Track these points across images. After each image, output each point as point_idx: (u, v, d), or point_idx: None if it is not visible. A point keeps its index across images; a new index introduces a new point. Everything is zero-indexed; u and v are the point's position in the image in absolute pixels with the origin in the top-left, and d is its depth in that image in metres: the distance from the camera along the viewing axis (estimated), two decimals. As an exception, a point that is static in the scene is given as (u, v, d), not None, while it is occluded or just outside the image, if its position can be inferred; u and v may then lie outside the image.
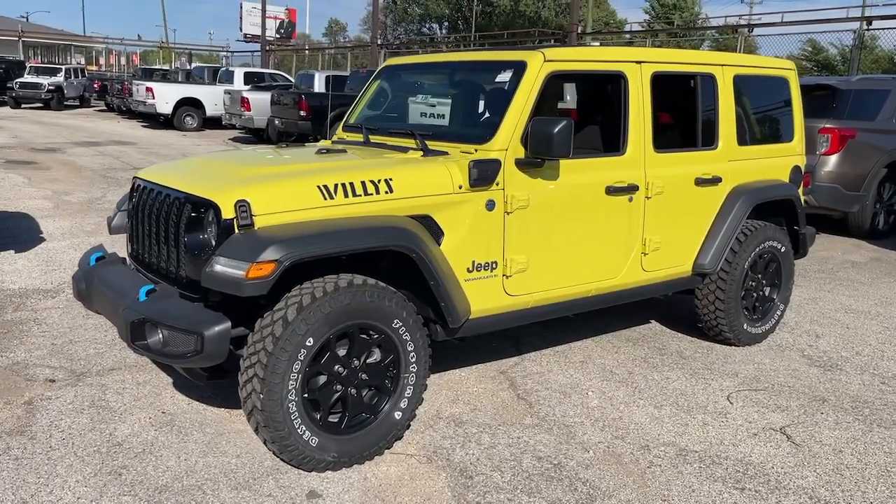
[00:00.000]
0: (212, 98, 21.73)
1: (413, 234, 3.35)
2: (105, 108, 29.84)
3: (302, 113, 15.73)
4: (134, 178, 3.91)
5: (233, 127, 20.27)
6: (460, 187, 3.60)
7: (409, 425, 3.65)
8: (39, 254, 6.78)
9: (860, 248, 8.52)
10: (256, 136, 19.47)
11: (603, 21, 48.11)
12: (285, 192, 3.24)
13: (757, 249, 4.87)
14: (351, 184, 3.35)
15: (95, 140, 17.77)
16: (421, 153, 3.84)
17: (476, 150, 3.74)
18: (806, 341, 5.25)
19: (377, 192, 3.41)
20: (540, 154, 3.70)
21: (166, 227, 3.43)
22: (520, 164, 3.77)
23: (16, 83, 28.31)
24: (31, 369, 4.24)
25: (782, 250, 5.07)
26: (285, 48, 43.02)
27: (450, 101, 4.51)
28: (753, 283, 5.00)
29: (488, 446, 3.58)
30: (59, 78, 29.67)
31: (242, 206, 3.09)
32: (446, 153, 3.81)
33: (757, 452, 3.61)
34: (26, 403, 3.82)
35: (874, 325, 5.66)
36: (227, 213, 3.10)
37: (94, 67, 53.21)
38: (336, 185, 3.31)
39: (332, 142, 4.62)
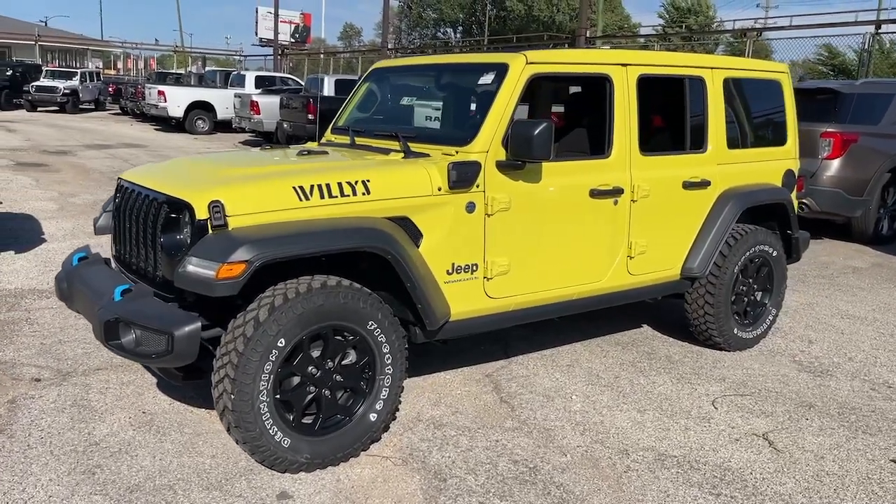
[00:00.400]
0: (223, 101, 21.87)
1: (388, 236, 3.35)
2: (119, 111, 30.09)
3: (310, 116, 15.80)
4: (118, 178, 3.93)
5: (243, 130, 20.39)
6: (439, 189, 3.60)
7: (388, 427, 3.65)
8: (39, 254, 6.84)
9: (863, 253, 8.43)
10: (266, 139, 19.56)
11: (617, 25, 47.98)
12: (260, 192, 3.25)
13: (748, 254, 4.83)
14: (327, 185, 3.36)
15: (107, 143, 17.92)
16: (402, 155, 3.84)
17: (457, 153, 3.74)
18: (798, 347, 5.19)
19: (354, 193, 3.41)
20: (520, 156, 3.69)
21: (145, 227, 3.45)
22: (501, 166, 3.76)
23: (32, 86, 28.54)
24: (18, 368, 4.27)
25: (774, 255, 5.02)
26: (298, 52, 43.20)
27: (435, 103, 4.52)
28: (744, 288, 4.96)
29: (465, 449, 3.57)
30: (75, 81, 29.92)
31: (216, 207, 3.10)
32: (427, 155, 3.81)
33: (737, 458, 3.57)
34: (9, 402, 3.84)
35: (869, 331, 5.59)
36: (201, 213, 3.12)
37: (113, 71, 53.68)
38: (312, 187, 3.32)
39: (320, 144, 4.63)
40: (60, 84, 28.95)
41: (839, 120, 8.37)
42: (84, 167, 13.24)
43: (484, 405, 4.06)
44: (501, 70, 3.86)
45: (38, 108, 29.01)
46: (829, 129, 8.22)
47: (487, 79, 3.93)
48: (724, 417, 4.01)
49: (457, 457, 3.49)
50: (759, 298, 5.09)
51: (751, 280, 4.99)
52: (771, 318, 5.15)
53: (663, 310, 5.65)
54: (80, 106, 29.99)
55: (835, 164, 8.24)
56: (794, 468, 3.50)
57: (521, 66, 3.84)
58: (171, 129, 22.37)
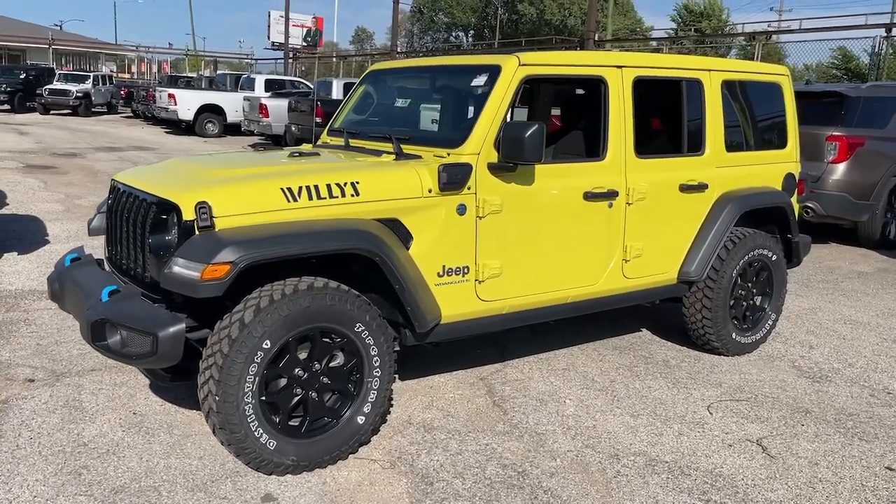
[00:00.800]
0: (233, 104, 21.97)
1: (376, 238, 3.33)
2: (131, 114, 30.28)
3: (318, 119, 15.83)
4: (112, 179, 3.94)
5: (252, 133, 20.47)
6: (430, 191, 3.58)
7: (378, 430, 3.63)
8: (41, 256, 6.87)
9: (869, 258, 8.35)
10: (275, 142, 19.63)
11: (629, 29, 47.90)
12: (247, 193, 3.24)
13: (746, 257, 4.78)
14: (316, 186, 3.35)
15: (117, 146, 18.03)
16: (394, 157, 3.83)
17: (448, 154, 3.72)
18: (798, 352, 5.14)
19: (343, 195, 3.40)
20: (512, 158, 3.66)
21: (134, 228, 3.46)
22: (492, 168, 3.74)
23: (45, 90, 28.73)
24: (13, 369, 4.29)
25: (773, 259, 4.97)
26: (309, 55, 43.35)
27: (430, 105, 4.50)
28: (743, 292, 4.91)
29: (455, 453, 3.54)
30: (88, 85, 30.07)
31: (202, 208, 3.09)
32: (419, 157, 3.79)
33: (729, 464, 3.53)
34: (2, 402, 3.85)
35: (871, 337, 5.53)
36: (188, 214, 3.11)
37: (127, 75, 54.03)
38: (300, 188, 3.31)
39: (315, 146, 4.63)
40: (73, 87, 29.10)
41: (845, 123, 8.29)
42: (92, 169, 13.32)
43: (476, 408, 4.04)
44: (494, 72, 3.85)
45: (51, 112, 29.17)
46: (835, 133, 8.15)
47: (480, 80, 3.92)
48: (718, 423, 3.97)
49: (445, 460, 3.47)
50: (758, 303, 5.03)
51: (750, 284, 4.94)
52: (770, 322, 5.09)
53: (662, 313, 5.61)
54: (93, 109, 30.14)
55: (841, 167, 8.16)
56: (787, 474, 3.45)
57: (514, 68, 3.81)
58: (182, 133, 22.48)
